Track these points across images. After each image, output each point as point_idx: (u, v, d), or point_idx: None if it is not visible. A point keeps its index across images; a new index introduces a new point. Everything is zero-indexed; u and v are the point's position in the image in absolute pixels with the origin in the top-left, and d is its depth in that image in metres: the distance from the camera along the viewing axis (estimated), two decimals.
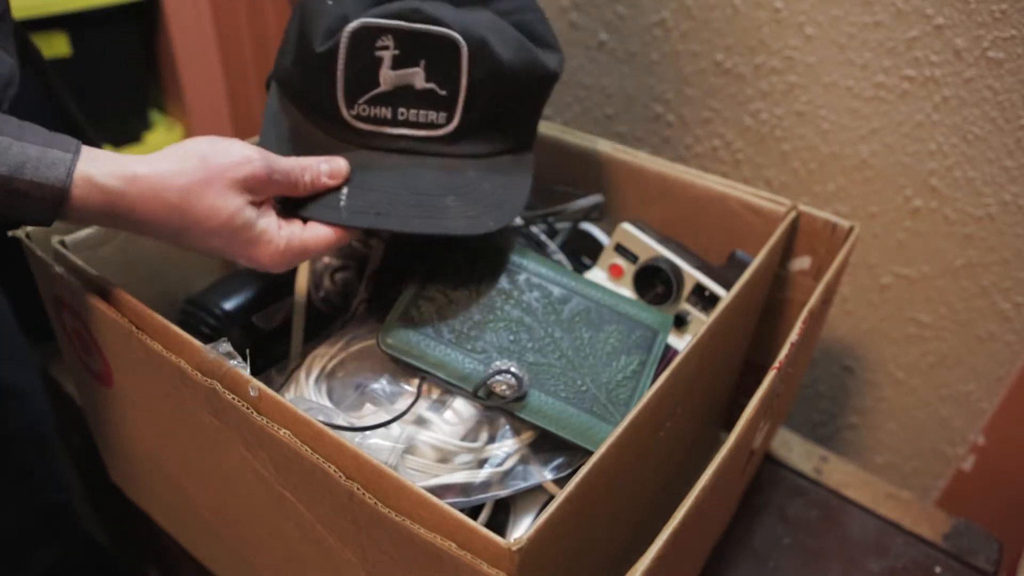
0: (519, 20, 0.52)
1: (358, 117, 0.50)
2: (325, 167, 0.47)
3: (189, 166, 0.41)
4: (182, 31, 1.03)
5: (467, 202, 0.49)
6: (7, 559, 0.64)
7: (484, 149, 0.52)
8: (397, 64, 0.48)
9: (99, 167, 0.39)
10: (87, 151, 0.39)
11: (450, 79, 0.49)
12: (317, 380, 0.50)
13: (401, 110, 0.49)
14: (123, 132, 1.07)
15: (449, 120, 0.50)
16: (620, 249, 0.60)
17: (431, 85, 0.49)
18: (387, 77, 0.49)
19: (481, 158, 0.52)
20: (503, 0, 0.53)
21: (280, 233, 0.45)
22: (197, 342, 0.41)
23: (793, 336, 0.47)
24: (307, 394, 0.49)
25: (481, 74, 0.49)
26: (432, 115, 0.50)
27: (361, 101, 0.49)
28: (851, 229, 0.59)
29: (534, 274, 0.54)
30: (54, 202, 0.38)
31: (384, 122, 0.50)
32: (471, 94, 0.49)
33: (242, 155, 0.43)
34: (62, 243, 0.50)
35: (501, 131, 0.52)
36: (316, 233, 0.46)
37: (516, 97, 0.51)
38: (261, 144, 0.48)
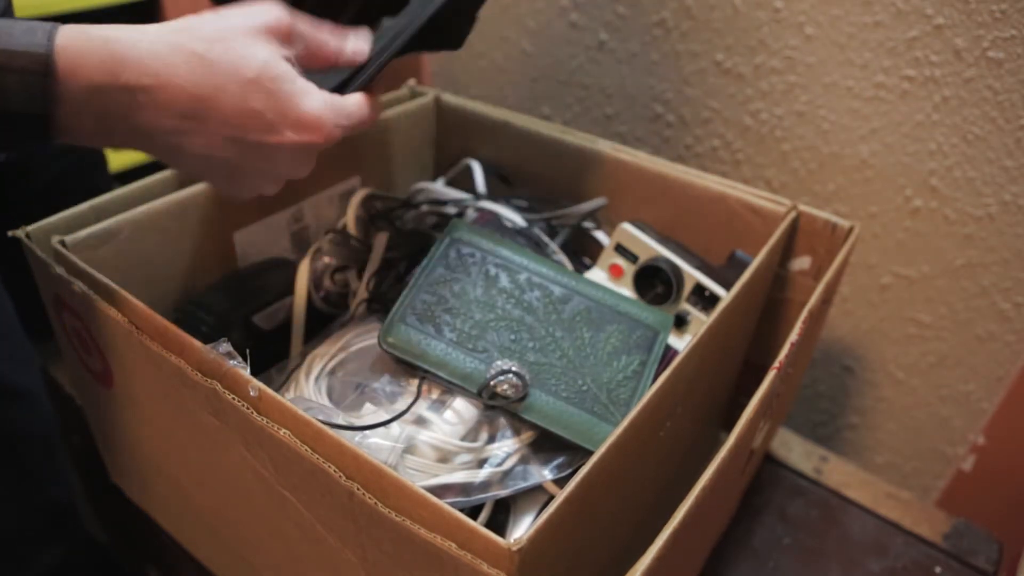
0: None
1: None
2: (352, 42, 0.42)
3: (205, 19, 0.35)
4: None
5: None
6: (11, 559, 0.64)
7: None
8: None
9: (91, 29, 0.33)
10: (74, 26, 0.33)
11: None
12: (317, 380, 0.50)
13: None
14: None
15: None
16: (620, 249, 0.60)
17: None
18: None
19: None
20: None
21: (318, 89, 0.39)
22: (197, 342, 0.41)
23: (793, 336, 0.47)
24: (307, 394, 0.49)
25: None
26: None
27: None
28: (851, 229, 0.59)
29: (535, 274, 0.54)
30: (38, 75, 0.31)
31: None
32: None
33: (261, 4, 0.38)
34: (62, 243, 0.50)
35: None
36: (353, 99, 0.40)
37: None
38: None
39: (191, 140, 0.36)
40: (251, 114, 0.36)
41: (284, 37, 0.38)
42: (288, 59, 0.38)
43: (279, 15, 0.38)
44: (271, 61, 0.36)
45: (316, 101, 0.38)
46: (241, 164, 0.38)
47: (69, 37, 0.32)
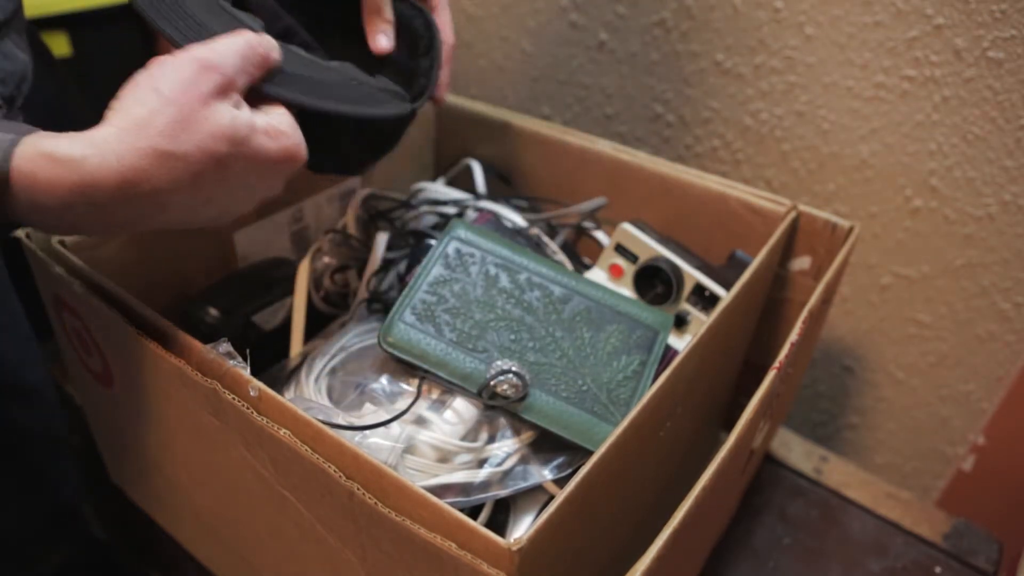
0: None
1: None
2: (266, 42, 0.41)
3: (153, 112, 0.34)
4: None
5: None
6: (19, 559, 0.64)
7: None
8: None
9: (56, 149, 0.33)
10: (43, 134, 0.33)
11: None
12: (317, 380, 0.50)
13: None
14: None
15: None
16: (620, 249, 0.60)
17: None
18: None
19: None
20: None
21: (279, 121, 0.39)
22: (197, 342, 0.41)
23: (793, 336, 0.47)
24: (307, 394, 0.49)
25: None
26: None
27: None
28: (851, 229, 0.59)
29: (535, 273, 0.54)
30: None
31: None
32: None
33: (192, 68, 0.36)
34: (62, 243, 0.50)
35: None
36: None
37: None
38: (180, 41, 0.40)
39: (171, 217, 0.37)
40: (235, 175, 0.37)
41: (225, 86, 0.37)
42: (236, 103, 0.38)
43: (206, 63, 0.37)
44: (232, 125, 0.36)
45: (290, 140, 0.39)
46: (226, 207, 0.40)
47: (29, 159, 0.32)
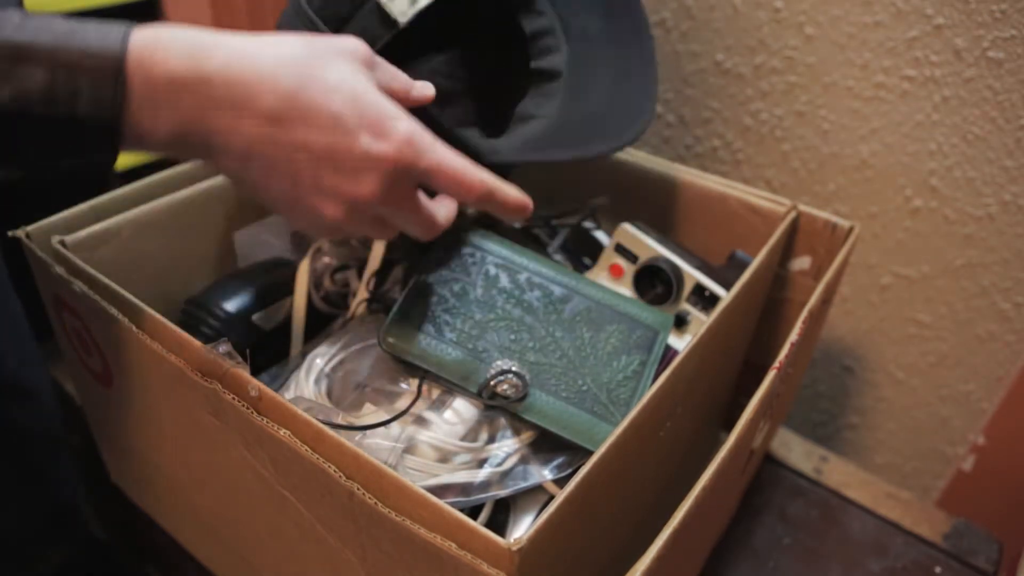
0: None
1: None
2: (419, 84, 0.42)
3: (288, 36, 0.35)
4: None
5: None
6: (19, 559, 0.64)
7: None
8: None
9: (174, 25, 0.32)
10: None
11: None
12: (317, 380, 0.50)
13: None
14: None
15: None
16: (620, 249, 0.60)
17: None
18: None
19: None
20: None
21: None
22: (197, 342, 0.41)
23: (793, 336, 0.47)
24: (307, 394, 0.49)
25: None
26: None
27: None
28: (851, 229, 0.59)
29: (535, 273, 0.54)
30: (112, 72, 0.30)
31: None
32: None
33: (347, 39, 0.37)
34: (62, 243, 0.50)
35: None
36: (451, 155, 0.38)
37: None
38: None
39: (263, 144, 0.34)
40: (332, 115, 0.34)
41: (367, 63, 0.38)
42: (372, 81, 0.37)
43: (360, 43, 0.38)
44: (358, 75, 0.36)
45: (399, 116, 0.36)
46: (311, 177, 0.36)
47: (150, 31, 0.32)
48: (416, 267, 0.53)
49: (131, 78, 0.31)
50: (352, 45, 0.37)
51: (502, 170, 0.44)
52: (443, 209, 0.42)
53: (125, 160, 1.03)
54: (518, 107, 0.56)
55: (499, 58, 0.63)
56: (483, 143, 0.52)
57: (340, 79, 0.35)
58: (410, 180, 0.37)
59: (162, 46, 0.32)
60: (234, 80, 0.33)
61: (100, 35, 0.31)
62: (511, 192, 0.40)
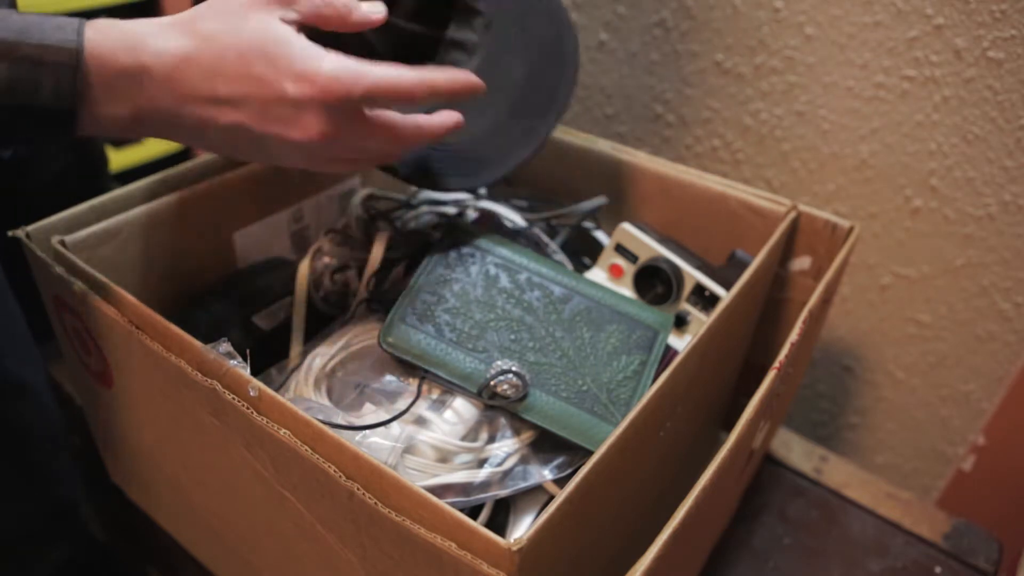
0: None
1: None
2: (365, 7, 0.42)
3: (208, 3, 0.38)
4: None
5: None
6: (18, 558, 0.64)
7: None
8: None
9: (114, 20, 0.36)
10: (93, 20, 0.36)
11: None
12: (317, 380, 0.50)
13: None
14: None
15: None
16: (620, 249, 0.60)
17: None
18: None
19: None
20: None
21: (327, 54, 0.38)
22: (197, 342, 0.41)
23: (793, 336, 0.47)
24: (307, 394, 0.49)
25: None
26: None
27: None
28: (851, 229, 0.59)
29: (535, 273, 0.54)
30: (70, 67, 0.34)
31: None
32: None
33: None
34: (62, 243, 0.50)
35: None
36: (382, 67, 0.39)
37: None
38: None
39: (209, 114, 0.38)
40: (252, 77, 0.38)
41: (282, 2, 0.39)
42: (289, 22, 0.39)
43: None
44: (266, 26, 0.38)
45: (318, 56, 0.38)
46: (261, 133, 0.39)
47: (96, 29, 0.35)
48: (416, 267, 0.53)
49: (87, 71, 0.34)
50: None
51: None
52: (399, 118, 0.43)
53: (125, 160, 1.04)
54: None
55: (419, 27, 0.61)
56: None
57: (253, 38, 0.38)
58: (352, 110, 0.40)
59: (110, 39, 0.35)
60: (168, 67, 0.36)
61: (56, 29, 0.34)
62: (454, 76, 0.42)
